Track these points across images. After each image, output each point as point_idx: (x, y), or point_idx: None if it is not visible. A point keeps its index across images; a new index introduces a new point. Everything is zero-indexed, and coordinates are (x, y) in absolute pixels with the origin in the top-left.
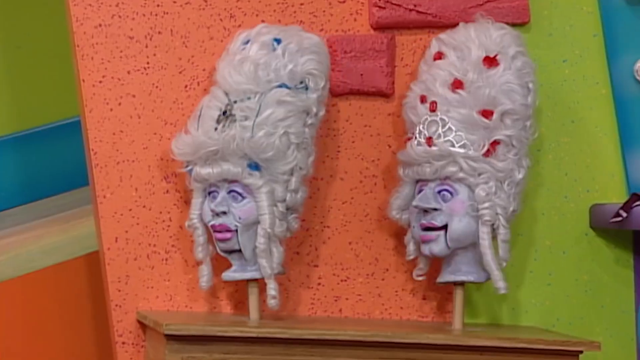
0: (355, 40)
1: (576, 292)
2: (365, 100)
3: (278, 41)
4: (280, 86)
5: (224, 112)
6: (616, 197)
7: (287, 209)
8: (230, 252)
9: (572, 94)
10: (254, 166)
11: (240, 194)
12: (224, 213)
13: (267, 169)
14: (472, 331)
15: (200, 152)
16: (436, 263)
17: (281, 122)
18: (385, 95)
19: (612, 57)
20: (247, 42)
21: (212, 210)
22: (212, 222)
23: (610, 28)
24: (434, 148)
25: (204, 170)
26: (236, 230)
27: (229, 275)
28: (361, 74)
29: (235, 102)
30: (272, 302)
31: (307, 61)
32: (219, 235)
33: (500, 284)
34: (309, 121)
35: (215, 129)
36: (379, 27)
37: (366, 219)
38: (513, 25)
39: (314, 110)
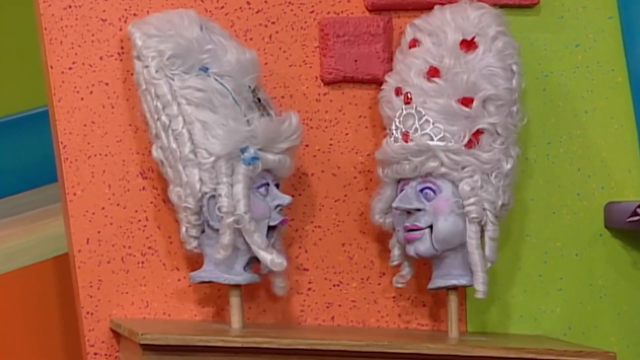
0: (349, 23)
1: (590, 298)
2: (360, 89)
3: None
4: None
5: (259, 100)
6: (633, 194)
7: None
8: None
9: (585, 81)
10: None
11: (278, 187)
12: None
13: None
14: (476, 340)
15: (281, 141)
16: (428, 270)
17: None
18: (381, 83)
19: (628, 42)
20: (201, 28)
21: (286, 205)
22: (280, 218)
23: (626, 10)
24: (411, 143)
25: (273, 157)
26: None
27: (242, 277)
28: (355, 60)
29: (253, 90)
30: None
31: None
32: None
33: (480, 287)
34: None
35: (261, 115)
36: (375, 9)
37: (361, 218)
38: (520, 7)
39: None
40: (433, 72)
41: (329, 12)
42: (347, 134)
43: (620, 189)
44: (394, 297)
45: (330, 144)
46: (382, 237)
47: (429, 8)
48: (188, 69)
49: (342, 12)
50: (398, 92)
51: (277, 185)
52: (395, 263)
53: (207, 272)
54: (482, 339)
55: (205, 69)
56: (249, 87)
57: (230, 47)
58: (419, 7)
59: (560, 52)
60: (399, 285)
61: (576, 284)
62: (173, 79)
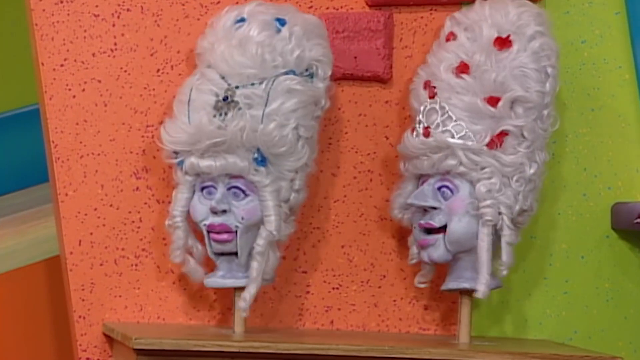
0: (348, 18)
1: (596, 301)
2: (360, 86)
3: (282, 22)
4: (287, 73)
5: (225, 98)
6: None
7: (289, 210)
8: (221, 254)
9: (591, 79)
10: (261, 161)
11: (243, 191)
12: (224, 212)
13: (274, 165)
14: (480, 345)
15: (203, 142)
16: (441, 268)
17: (292, 113)
18: (382, 80)
19: (636, 38)
20: (242, 20)
21: (211, 208)
22: (210, 222)
23: (634, 5)
24: (430, 139)
25: (204, 163)
26: (235, 232)
27: (216, 281)
28: (355, 57)
29: (237, 87)
30: (242, 305)
31: (315, 46)
32: (218, 237)
33: (481, 286)
34: (317, 113)
35: (214, 116)
36: (375, 5)
37: (361, 219)
38: None
39: (322, 101)
40: (462, 68)
41: (328, 8)
42: (346, 133)
43: (627, 190)
44: (394, 301)
45: (330, 143)
46: (382, 239)
47: (432, 4)
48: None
49: (341, 7)
50: (426, 85)
51: (239, 189)
52: (413, 261)
53: (212, 277)
54: (486, 343)
55: (208, 67)
56: (229, 84)
57: (228, 42)
58: (421, 2)
59: (565, 48)
60: (421, 286)
61: (582, 287)
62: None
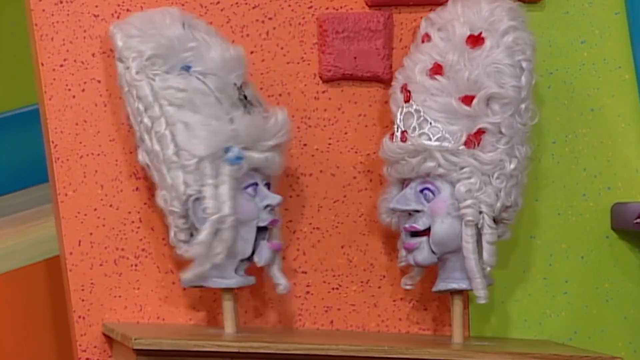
0: (348, 18)
1: (596, 301)
2: (360, 87)
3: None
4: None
5: (245, 97)
6: None
7: None
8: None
9: (591, 79)
10: None
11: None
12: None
13: None
14: (479, 345)
15: (265, 135)
16: (434, 268)
17: None
18: (381, 80)
19: (636, 38)
20: (184, 25)
21: (268, 205)
22: (271, 218)
23: (634, 5)
24: (407, 143)
25: (260, 156)
26: None
27: (230, 281)
28: (355, 57)
29: (240, 87)
30: (282, 286)
31: None
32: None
33: (480, 292)
34: None
35: (248, 112)
36: (375, 5)
37: (360, 219)
38: (525, 2)
39: None
40: (436, 69)
41: (327, 8)
42: (346, 133)
43: (627, 190)
44: (394, 301)
45: (329, 144)
46: (382, 239)
47: (432, 4)
48: (170, 68)
49: (341, 7)
50: (402, 89)
51: (268, 185)
52: (402, 264)
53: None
54: (485, 343)
55: (187, 68)
56: (235, 84)
57: (214, 44)
58: (420, 2)
59: (565, 48)
60: (407, 287)
61: (582, 287)
62: (154, 80)
